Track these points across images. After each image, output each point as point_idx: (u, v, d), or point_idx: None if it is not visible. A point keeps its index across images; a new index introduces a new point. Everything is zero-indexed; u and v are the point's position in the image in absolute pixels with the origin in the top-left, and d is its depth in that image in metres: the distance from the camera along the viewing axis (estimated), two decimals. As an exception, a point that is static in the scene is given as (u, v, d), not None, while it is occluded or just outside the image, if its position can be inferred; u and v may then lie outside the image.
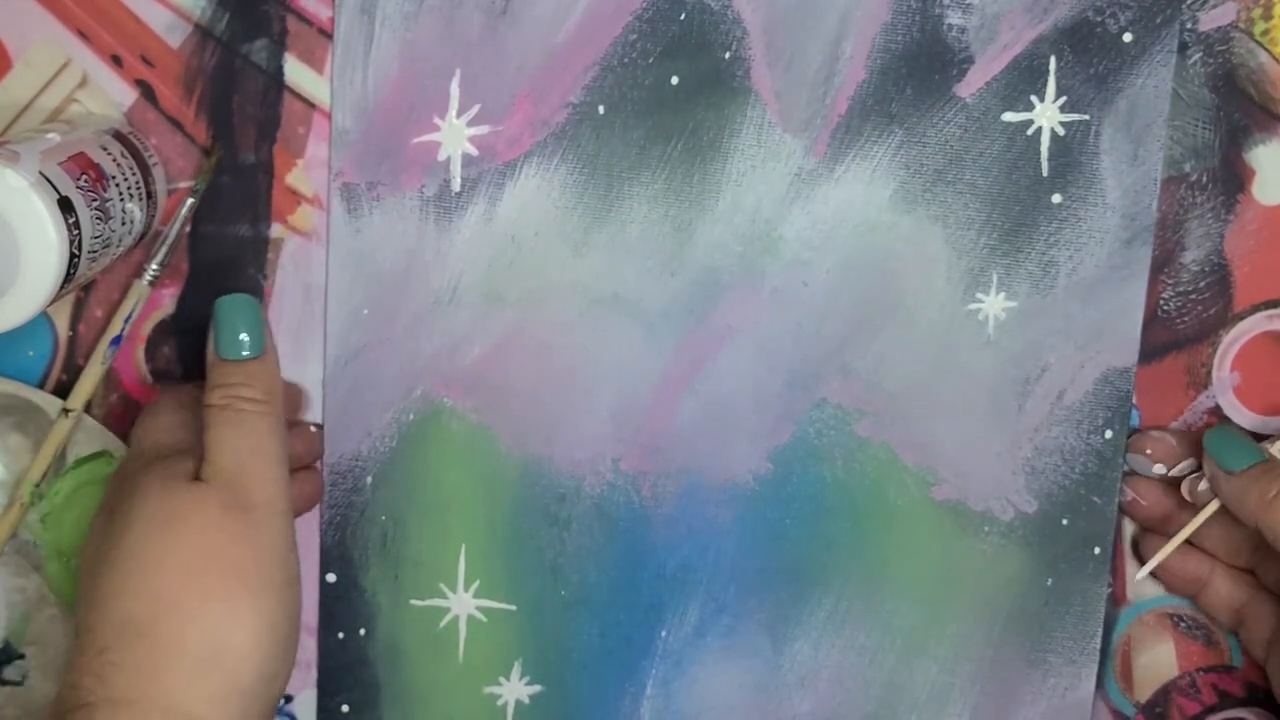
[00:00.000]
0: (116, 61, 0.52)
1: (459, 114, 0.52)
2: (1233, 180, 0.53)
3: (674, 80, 0.52)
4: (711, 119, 0.52)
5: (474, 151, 0.52)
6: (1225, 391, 0.55)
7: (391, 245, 0.53)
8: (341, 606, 0.55)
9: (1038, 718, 0.57)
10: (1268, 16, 0.52)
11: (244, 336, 0.49)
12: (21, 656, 0.55)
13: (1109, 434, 0.54)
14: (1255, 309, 0.54)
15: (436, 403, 0.54)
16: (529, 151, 0.52)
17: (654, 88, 0.52)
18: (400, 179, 0.52)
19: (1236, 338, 0.55)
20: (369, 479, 0.55)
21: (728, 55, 0.52)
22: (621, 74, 0.52)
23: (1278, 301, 0.54)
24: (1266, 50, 0.52)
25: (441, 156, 0.52)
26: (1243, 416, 0.55)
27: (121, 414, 0.54)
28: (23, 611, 0.55)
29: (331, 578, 0.55)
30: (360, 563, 0.55)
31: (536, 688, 0.56)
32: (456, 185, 0.53)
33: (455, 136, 0.52)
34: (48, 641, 0.55)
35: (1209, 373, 0.55)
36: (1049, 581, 0.56)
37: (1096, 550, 0.55)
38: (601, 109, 0.52)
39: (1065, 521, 0.55)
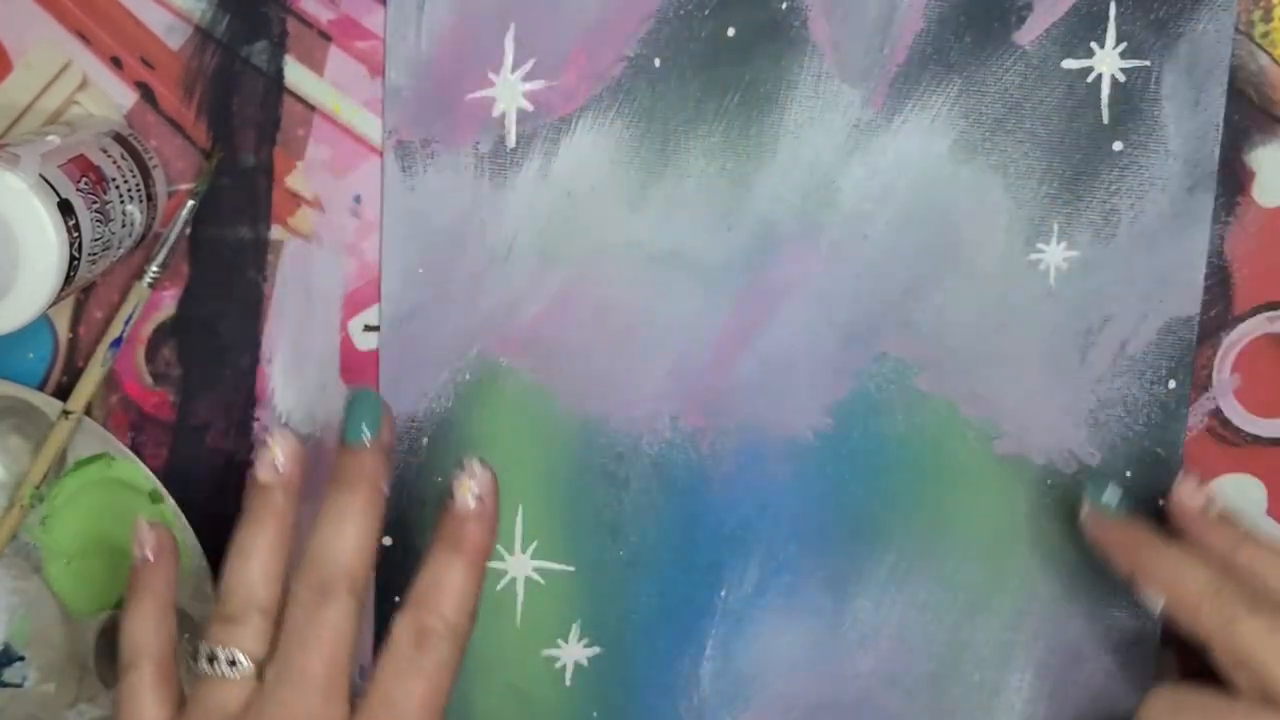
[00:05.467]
0: (116, 63, 0.52)
1: (513, 69, 0.52)
2: (1233, 182, 0.53)
3: (730, 31, 0.52)
4: (768, 70, 0.52)
5: (529, 107, 0.52)
6: (1226, 394, 0.55)
7: (446, 203, 0.53)
8: (398, 571, 0.55)
9: (1101, 673, 0.56)
10: (1268, 19, 0.52)
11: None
12: (22, 658, 0.55)
13: (1172, 384, 0.54)
14: (1256, 311, 0.54)
15: (493, 362, 0.54)
16: (584, 106, 0.52)
17: (710, 39, 0.52)
18: (454, 135, 0.52)
19: (1237, 340, 0.54)
20: (425, 440, 0.54)
21: (784, 5, 0.51)
22: (677, 26, 0.52)
23: (1278, 303, 0.54)
24: (1266, 53, 0.52)
25: (496, 112, 0.52)
26: (1243, 419, 0.55)
27: (122, 416, 0.54)
28: (23, 613, 0.54)
29: (388, 541, 0.55)
30: (417, 526, 0.55)
31: (595, 649, 0.56)
32: (511, 141, 0.52)
33: (510, 92, 0.52)
34: (48, 643, 0.55)
35: (1209, 375, 0.55)
36: (1112, 535, 0.55)
37: (1160, 502, 0.55)
38: (657, 62, 0.52)
39: (1129, 474, 0.55)
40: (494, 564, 0.55)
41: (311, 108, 0.52)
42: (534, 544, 0.55)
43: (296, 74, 0.52)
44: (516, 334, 0.54)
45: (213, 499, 0.55)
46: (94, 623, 0.54)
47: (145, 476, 0.53)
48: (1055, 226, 0.53)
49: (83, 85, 0.52)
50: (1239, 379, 0.55)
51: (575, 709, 0.56)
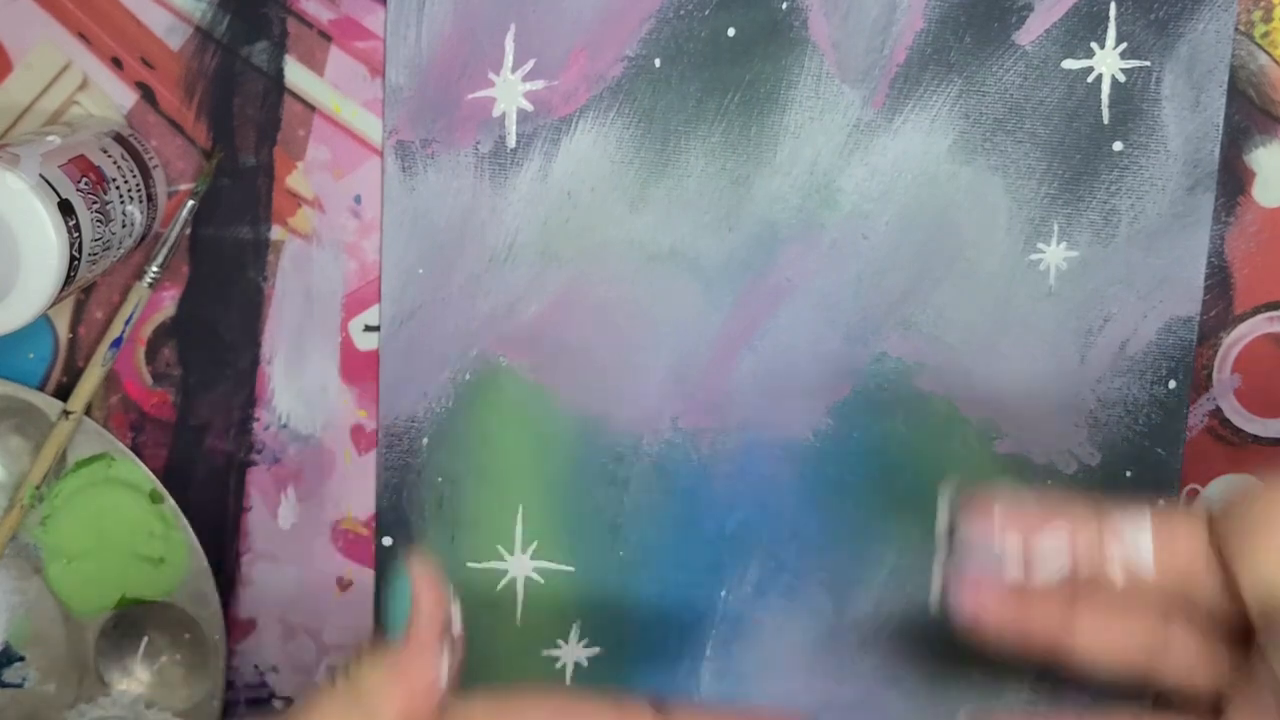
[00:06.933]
0: (117, 64, 0.52)
1: (514, 69, 0.52)
2: (1233, 182, 0.53)
3: (730, 32, 0.52)
4: (769, 70, 0.52)
5: (529, 107, 0.52)
6: (1226, 394, 0.55)
7: (446, 203, 0.52)
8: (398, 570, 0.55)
9: (1102, 673, 0.56)
10: (1268, 19, 0.52)
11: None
12: (22, 658, 0.55)
13: (1172, 384, 0.54)
14: (1256, 311, 0.54)
15: (493, 362, 0.54)
16: (584, 106, 0.52)
17: (710, 40, 0.52)
18: (455, 136, 0.52)
19: (1237, 340, 0.54)
20: (425, 440, 0.54)
21: (785, 5, 0.51)
22: (677, 26, 0.52)
23: (1278, 303, 0.54)
24: (1266, 52, 0.52)
25: (496, 112, 0.52)
26: (1243, 419, 0.55)
27: (122, 416, 0.54)
28: (23, 614, 0.54)
29: (388, 541, 0.55)
30: (416, 526, 0.55)
31: (595, 650, 0.56)
32: (512, 141, 0.52)
33: (510, 92, 0.52)
34: (48, 643, 0.55)
35: (1210, 375, 0.55)
36: (1112, 535, 0.55)
37: (1160, 503, 0.55)
38: (658, 62, 0.52)
39: (1129, 474, 0.55)
40: (495, 564, 0.55)
41: (312, 108, 0.52)
42: (534, 544, 0.55)
43: (297, 74, 0.52)
44: (516, 334, 0.54)
45: (213, 499, 0.55)
46: (94, 623, 0.54)
47: (145, 476, 0.53)
48: (1055, 226, 0.53)
49: (83, 85, 0.52)
50: (1239, 379, 0.55)
51: (575, 709, 0.56)
